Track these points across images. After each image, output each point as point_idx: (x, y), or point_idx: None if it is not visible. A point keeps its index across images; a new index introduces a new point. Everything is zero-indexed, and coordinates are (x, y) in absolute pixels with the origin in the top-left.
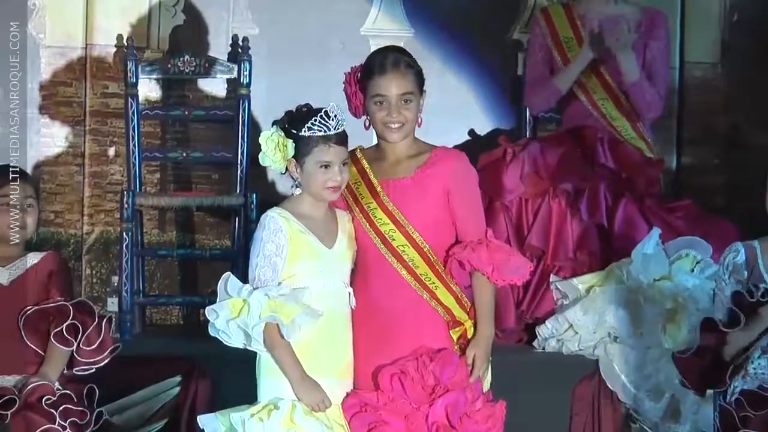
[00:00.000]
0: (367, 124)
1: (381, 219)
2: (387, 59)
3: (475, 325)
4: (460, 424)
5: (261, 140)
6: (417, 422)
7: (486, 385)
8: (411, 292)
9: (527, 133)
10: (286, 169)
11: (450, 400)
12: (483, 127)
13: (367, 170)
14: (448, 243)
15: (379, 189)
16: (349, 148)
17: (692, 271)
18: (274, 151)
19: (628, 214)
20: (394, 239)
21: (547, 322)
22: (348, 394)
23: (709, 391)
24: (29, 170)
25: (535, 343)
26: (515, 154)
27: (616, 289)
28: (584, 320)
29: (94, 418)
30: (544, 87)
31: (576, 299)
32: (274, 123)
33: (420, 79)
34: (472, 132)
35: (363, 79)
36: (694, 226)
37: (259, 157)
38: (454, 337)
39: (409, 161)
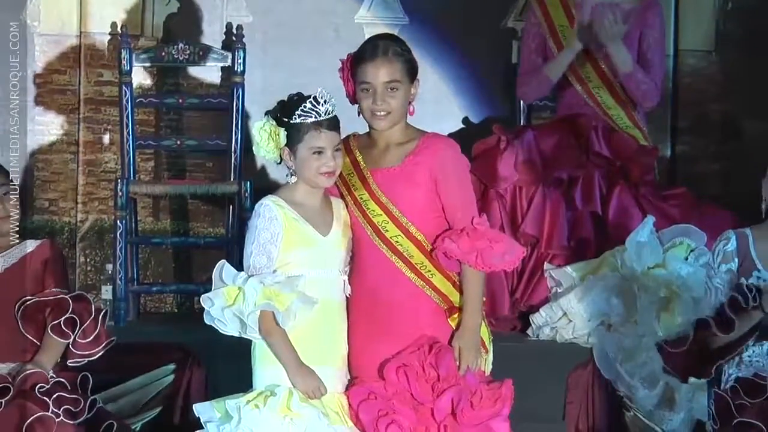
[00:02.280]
0: (359, 111)
1: (373, 210)
2: (377, 47)
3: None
4: (463, 417)
5: (253, 131)
6: (425, 414)
7: (486, 369)
8: (407, 282)
9: (521, 121)
10: (281, 158)
11: (454, 393)
12: (477, 115)
13: (359, 161)
14: (442, 230)
15: (370, 180)
16: (344, 135)
17: (686, 259)
18: (267, 141)
19: (623, 202)
20: (387, 230)
21: (541, 310)
22: (354, 383)
23: (703, 379)
24: (25, 159)
25: (529, 331)
26: (509, 142)
27: (611, 277)
28: (578, 308)
29: (87, 405)
30: (535, 77)
31: (570, 287)
32: (267, 113)
33: (410, 68)
34: (466, 120)
35: (353, 66)
36: (688, 214)
37: (253, 148)
38: (453, 325)
39: (398, 149)
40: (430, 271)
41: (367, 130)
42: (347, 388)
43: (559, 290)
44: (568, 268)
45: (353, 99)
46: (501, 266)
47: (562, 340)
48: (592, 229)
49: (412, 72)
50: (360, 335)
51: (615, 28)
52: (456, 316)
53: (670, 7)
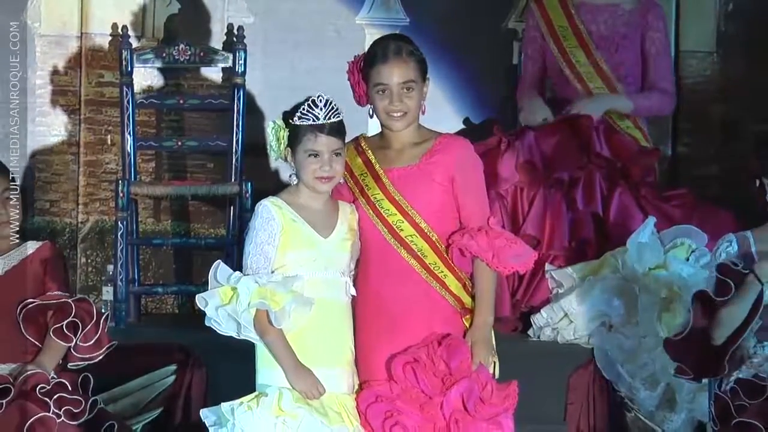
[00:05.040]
0: (371, 112)
1: (388, 209)
2: (389, 47)
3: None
4: (475, 411)
5: (267, 132)
6: (432, 410)
7: (495, 371)
8: (420, 281)
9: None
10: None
11: (464, 387)
12: (478, 116)
13: (372, 161)
14: (455, 231)
15: (384, 179)
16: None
17: (687, 260)
18: (277, 143)
19: (624, 203)
20: (402, 229)
21: (542, 311)
22: (361, 388)
23: (704, 380)
24: (25, 160)
25: (530, 332)
26: (510, 143)
27: (611, 278)
28: (579, 309)
29: (88, 406)
30: (528, 103)
31: (571, 288)
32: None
33: (422, 67)
34: (467, 121)
35: (365, 68)
36: (689, 214)
37: (267, 149)
38: (467, 325)
39: (413, 149)
40: (442, 271)
41: (379, 131)
42: (356, 394)
43: (560, 291)
44: (569, 269)
45: (364, 101)
46: (516, 267)
47: (563, 341)
48: (593, 230)
49: (424, 71)
50: (369, 336)
51: (589, 106)
52: (470, 316)
53: (671, 8)
